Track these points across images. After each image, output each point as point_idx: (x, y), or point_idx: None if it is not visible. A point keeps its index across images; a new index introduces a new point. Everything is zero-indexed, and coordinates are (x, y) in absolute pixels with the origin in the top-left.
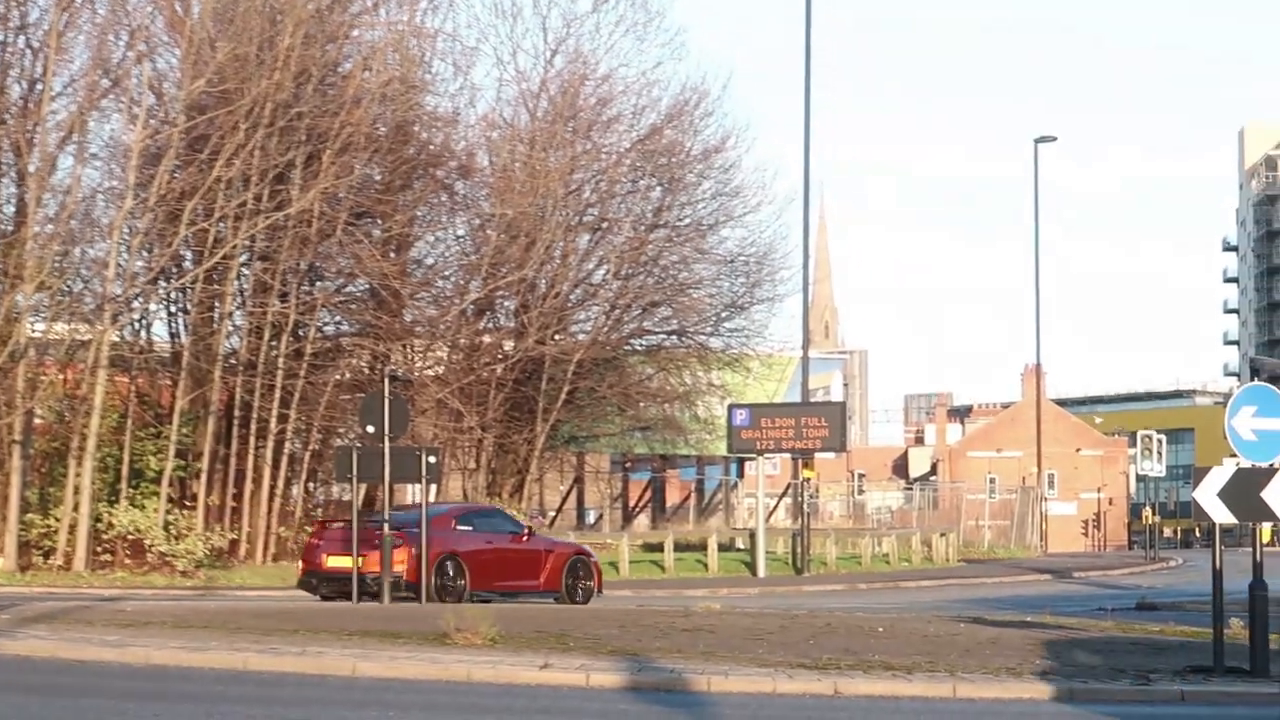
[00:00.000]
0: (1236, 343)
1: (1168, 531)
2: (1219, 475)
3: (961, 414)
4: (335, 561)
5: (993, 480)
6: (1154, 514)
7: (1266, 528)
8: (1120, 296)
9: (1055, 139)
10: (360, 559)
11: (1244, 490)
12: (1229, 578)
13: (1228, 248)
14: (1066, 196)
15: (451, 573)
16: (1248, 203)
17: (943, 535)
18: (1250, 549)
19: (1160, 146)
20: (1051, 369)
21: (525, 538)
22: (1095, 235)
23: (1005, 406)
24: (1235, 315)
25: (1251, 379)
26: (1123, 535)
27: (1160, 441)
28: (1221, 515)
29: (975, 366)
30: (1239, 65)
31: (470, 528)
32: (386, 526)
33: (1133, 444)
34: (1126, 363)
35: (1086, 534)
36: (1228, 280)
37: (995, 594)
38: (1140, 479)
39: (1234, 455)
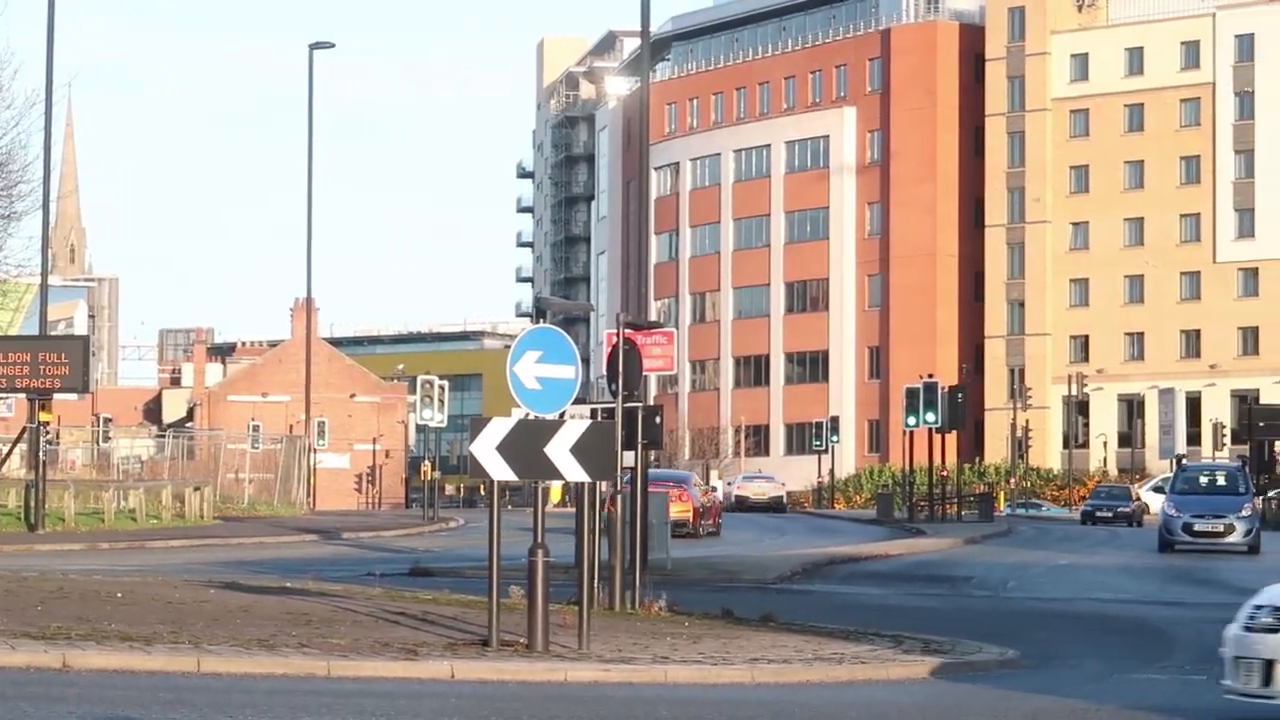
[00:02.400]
0: (531, 280)
1: (450, 489)
2: (499, 427)
3: (224, 352)
4: None
5: (256, 428)
6: (434, 469)
7: (556, 486)
8: (409, 225)
9: (333, 45)
10: None
11: (526, 444)
12: (514, 542)
13: (523, 174)
14: (351, 112)
15: None
16: (545, 124)
17: (197, 489)
18: (532, 509)
19: (455, 60)
20: (326, 304)
21: None
22: (383, 156)
23: (273, 345)
24: (530, 249)
25: (537, 321)
26: (400, 492)
27: (443, 388)
28: (501, 472)
29: (242, 299)
30: None
31: None
32: None
33: (413, 390)
34: (413, 299)
35: (360, 490)
36: (522, 210)
37: (255, 556)
38: (420, 429)
39: (520, 405)
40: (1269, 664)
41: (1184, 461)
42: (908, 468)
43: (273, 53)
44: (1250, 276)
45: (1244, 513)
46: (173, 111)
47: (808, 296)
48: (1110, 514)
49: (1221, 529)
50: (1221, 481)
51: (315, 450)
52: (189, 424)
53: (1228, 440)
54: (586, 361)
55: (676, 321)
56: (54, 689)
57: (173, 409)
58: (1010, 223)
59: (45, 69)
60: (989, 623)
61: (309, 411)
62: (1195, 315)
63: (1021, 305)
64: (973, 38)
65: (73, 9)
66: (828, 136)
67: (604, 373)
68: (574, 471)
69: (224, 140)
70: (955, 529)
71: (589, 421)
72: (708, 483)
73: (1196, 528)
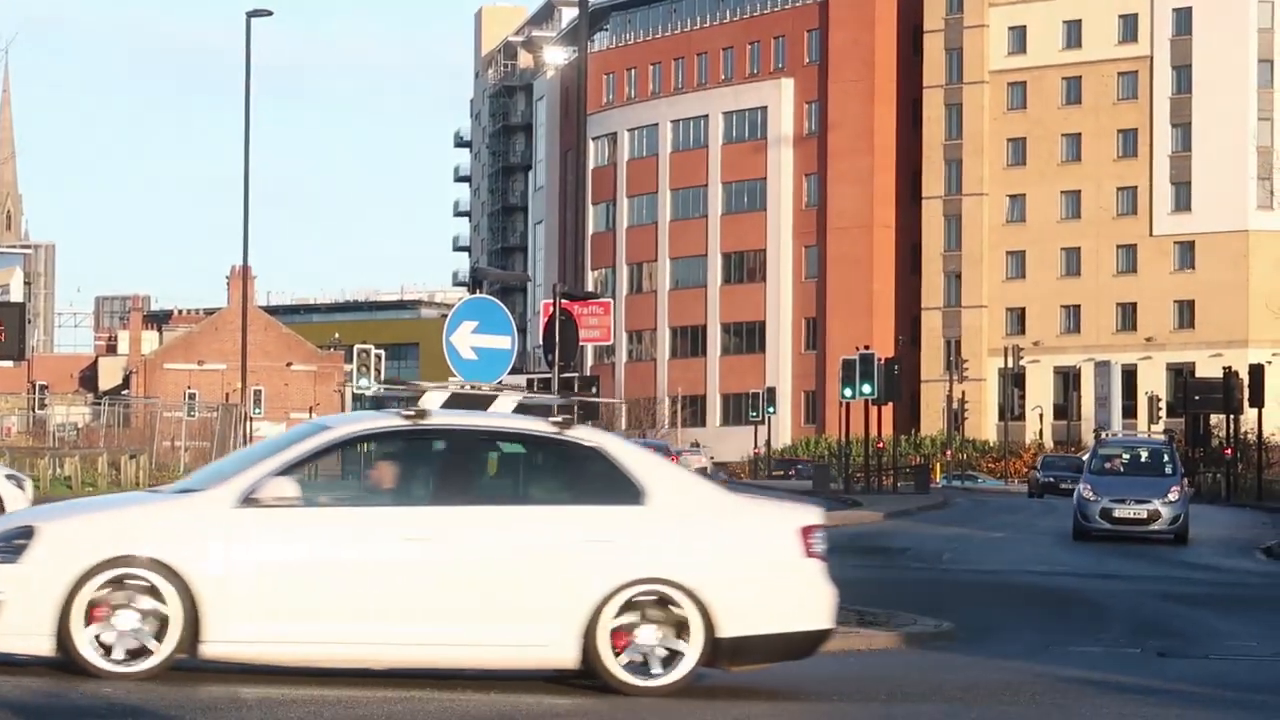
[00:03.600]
0: (468, 249)
1: None
2: (434, 398)
3: (160, 320)
4: None
5: (193, 396)
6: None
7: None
8: (346, 193)
9: (270, 13)
10: None
11: None
12: None
13: (460, 143)
14: (288, 77)
15: None
16: (483, 94)
17: (133, 457)
18: None
19: (395, 28)
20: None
21: None
22: (321, 123)
23: (210, 313)
24: (467, 219)
25: (474, 290)
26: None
27: (379, 357)
28: None
29: (178, 266)
30: None
31: None
32: None
33: (350, 359)
34: (351, 267)
35: None
36: (460, 179)
37: None
38: (357, 398)
39: (456, 375)
40: None
41: (1103, 436)
42: (844, 439)
43: (210, 17)
44: (1187, 250)
45: (1170, 497)
46: (109, 77)
47: (745, 267)
48: (1070, 486)
49: (1145, 515)
50: (1145, 459)
51: (251, 419)
52: (125, 392)
53: (1163, 414)
54: (523, 331)
55: (613, 292)
56: None
57: (109, 377)
58: (947, 195)
59: None
60: (925, 595)
61: (245, 380)
62: (1131, 288)
63: (958, 277)
64: (911, 10)
65: None
66: (765, 108)
67: (540, 343)
68: None
69: (160, 106)
70: (891, 501)
71: (524, 392)
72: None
73: (1116, 513)
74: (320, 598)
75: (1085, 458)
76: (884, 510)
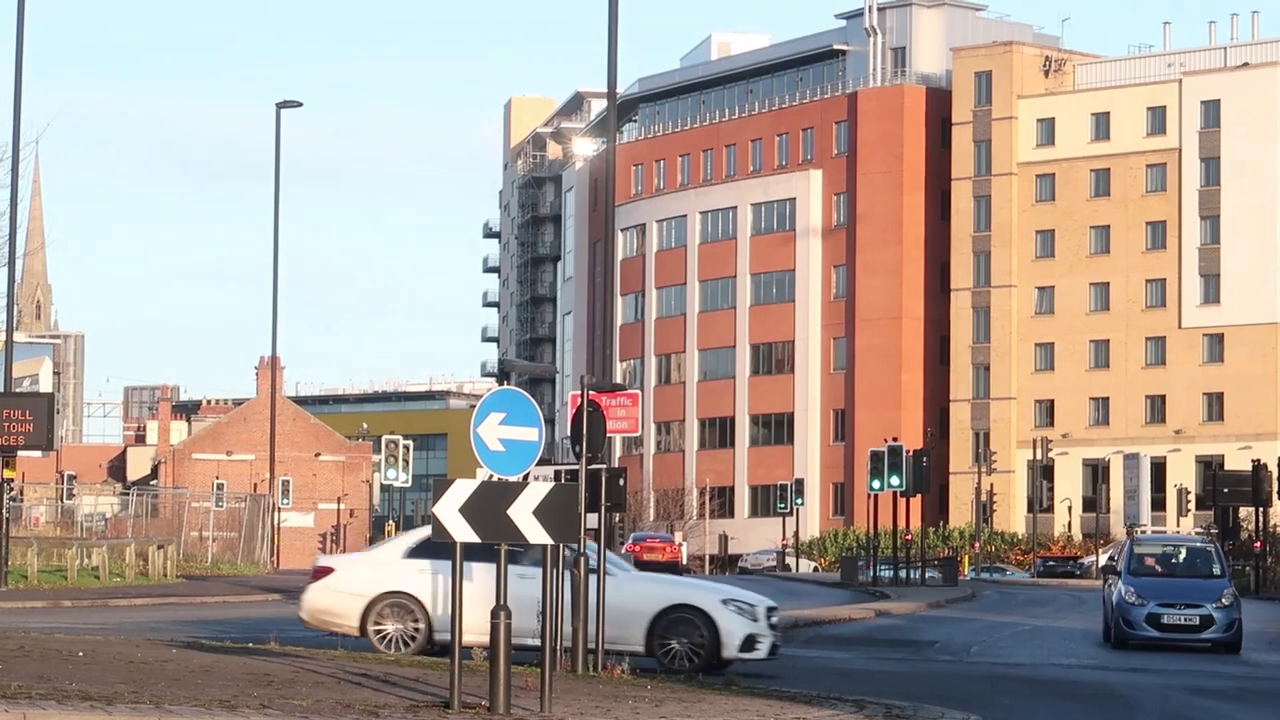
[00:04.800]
0: (496, 340)
1: None
2: (462, 489)
3: (189, 410)
4: None
5: (221, 486)
6: (398, 528)
7: None
8: (376, 283)
9: (300, 104)
10: None
11: (489, 506)
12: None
13: (489, 234)
14: (317, 168)
15: None
16: (512, 184)
17: (161, 547)
18: (495, 571)
19: (425, 119)
20: (292, 362)
21: None
22: (350, 213)
23: (238, 403)
24: (496, 309)
25: (502, 382)
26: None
27: (407, 448)
28: (464, 534)
29: (207, 356)
30: (507, 34)
31: None
32: None
33: (378, 450)
34: (379, 357)
35: (324, 549)
36: (489, 270)
37: (218, 615)
38: (385, 489)
39: (483, 466)
40: None
41: (1138, 533)
42: (872, 531)
43: (240, 107)
44: (1216, 342)
45: (1224, 600)
46: (140, 167)
47: (773, 359)
48: None
49: (1198, 621)
50: (1188, 559)
51: (279, 509)
52: (153, 482)
53: (1192, 506)
54: (551, 423)
55: (642, 383)
56: None
57: (137, 466)
58: (976, 286)
59: (13, 124)
60: (953, 688)
61: (273, 470)
62: (1160, 381)
63: (987, 369)
64: (939, 101)
65: (42, 61)
66: (794, 199)
67: (568, 434)
68: (537, 534)
69: (190, 196)
70: (919, 593)
71: (552, 484)
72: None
73: (1165, 619)
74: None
75: (1112, 555)
76: (912, 602)
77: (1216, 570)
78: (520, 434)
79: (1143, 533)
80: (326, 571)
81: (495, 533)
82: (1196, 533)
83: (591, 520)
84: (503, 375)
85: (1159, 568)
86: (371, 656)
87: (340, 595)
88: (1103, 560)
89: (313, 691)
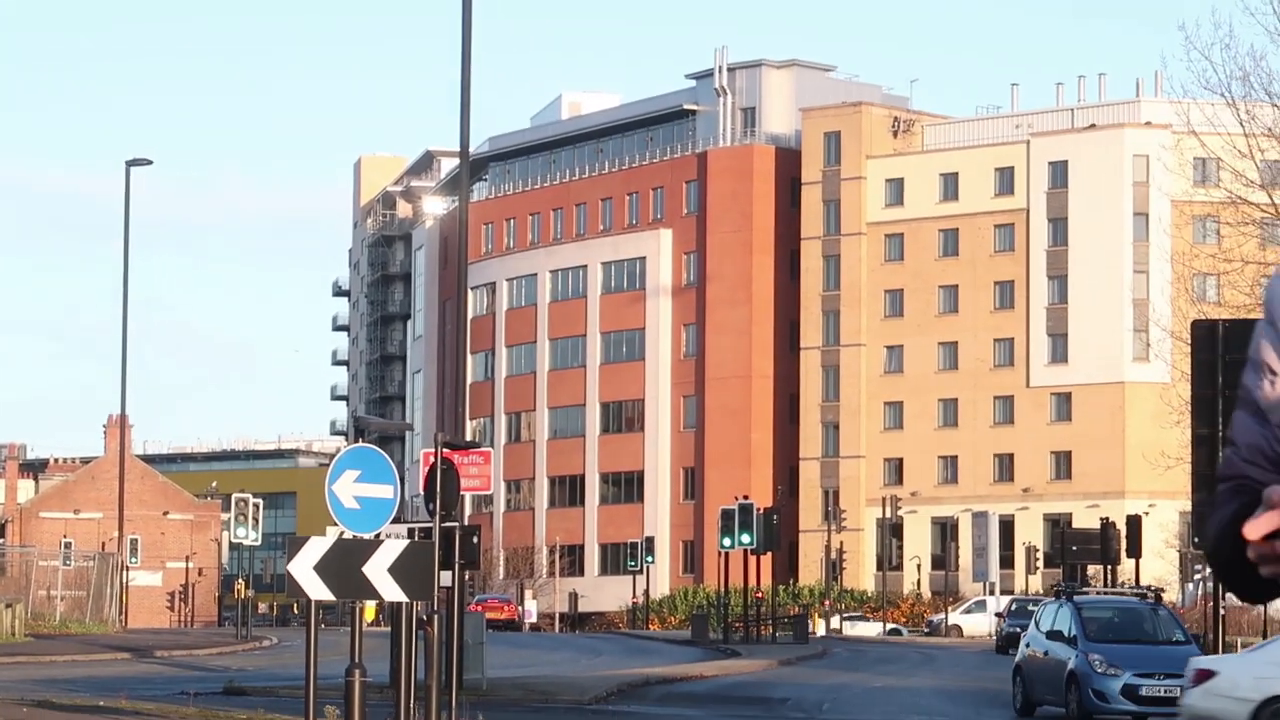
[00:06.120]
0: (346, 398)
1: (264, 607)
2: (317, 546)
3: (36, 468)
4: None
5: (68, 545)
6: (248, 587)
7: (371, 605)
8: (224, 342)
9: (150, 162)
10: None
11: (345, 564)
12: (330, 660)
13: (339, 292)
14: (168, 224)
15: None
16: (362, 243)
17: (9, 606)
18: (350, 628)
19: (275, 177)
20: (140, 420)
21: None
22: (199, 271)
23: (85, 462)
24: (345, 368)
25: (356, 440)
26: (214, 610)
27: (257, 506)
28: (319, 591)
29: (55, 414)
30: (357, 93)
31: None
32: None
33: (227, 508)
34: (228, 415)
35: (173, 608)
36: (338, 328)
37: (68, 674)
38: (234, 547)
39: (337, 524)
40: None
41: (1075, 594)
42: (723, 589)
43: (89, 165)
44: (1063, 401)
45: None
46: None
47: (623, 417)
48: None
49: (1179, 693)
50: (1145, 623)
51: (128, 568)
52: (1, 540)
53: (1040, 564)
54: (402, 480)
55: (492, 441)
56: None
57: None
58: (825, 345)
59: None
60: None
61: (122, 529)
62: (1009, 439)
63: (836, 428)
64: (789, 161)
65: None
66: (644, 258)
67: (420, 492)
68: (392, 591)
69: (35, 253)
70: (770, 650)
71: (407, 541)
72: (521, 603)
73: (1144, 691)
74: None
75: (1039, 616)
76: (763, 659)
77: (1178, 636)
78: (375, 491)
79: (1086, 592)
80: (1208, 675)
81: (350, 590)
82: (1114, 592)
83: (445, 578)
84: (358, 433)
85: (1114, 634)
86: (224, 714)
87: (1222, 700)
88: (993, 621)
89: None
